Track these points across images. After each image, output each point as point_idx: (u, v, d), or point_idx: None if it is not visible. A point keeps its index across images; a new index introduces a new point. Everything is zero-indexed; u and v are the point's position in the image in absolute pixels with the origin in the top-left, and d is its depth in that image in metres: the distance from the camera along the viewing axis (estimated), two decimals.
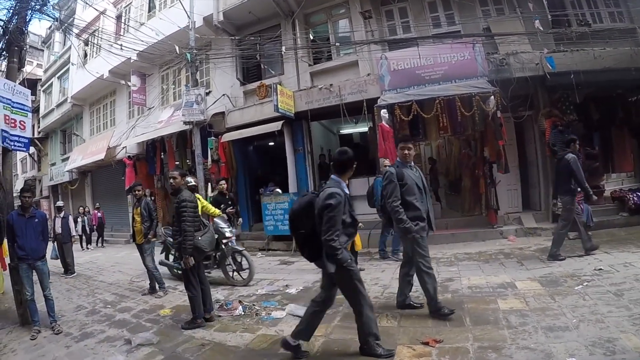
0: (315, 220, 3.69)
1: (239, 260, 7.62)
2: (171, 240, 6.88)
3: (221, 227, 7.43)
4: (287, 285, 7.06)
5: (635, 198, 9.09)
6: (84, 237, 16.32)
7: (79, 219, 15.59)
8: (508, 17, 10.30)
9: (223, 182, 9.97)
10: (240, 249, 7.65)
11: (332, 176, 3.88)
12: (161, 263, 8.25)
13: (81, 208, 17.26)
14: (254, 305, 5.97)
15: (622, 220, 8.96)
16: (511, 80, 9.21)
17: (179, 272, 7.39)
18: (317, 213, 3.67)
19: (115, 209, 18.07)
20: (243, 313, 5.65)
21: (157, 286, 7.50)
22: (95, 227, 17.13)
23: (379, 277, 6.89)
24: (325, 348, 4.16)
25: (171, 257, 8.48)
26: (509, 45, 9.69)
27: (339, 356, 3.93)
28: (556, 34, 9.82)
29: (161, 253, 8.57)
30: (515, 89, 9.22)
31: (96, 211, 17.24)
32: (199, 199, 6.91)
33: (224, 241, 7.39)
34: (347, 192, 3.80)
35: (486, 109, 8.83)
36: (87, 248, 16.41)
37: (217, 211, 7.78)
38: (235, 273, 7.60)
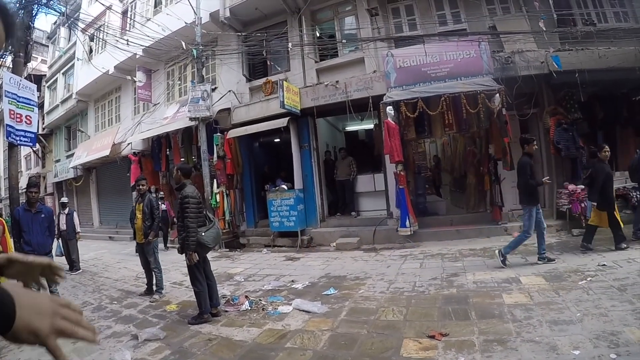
0: None
1: None
2: None
3: None
4: (293, 281, 7.11)
5: (639, 196, 9.13)
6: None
7: None
8: (514, 15, 10.30)
9: (534, 141, 6.98)
10: None
11: None
12: None
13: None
14: (260, 300, 6.01)
15: (625, 218, 8.97)
16: (516, 79, 9.27)
17: None
18: None
19: (120, 205, 17.85)
20: (249, 308, 5.69)
21: (154, 288, 7.12)
22: None
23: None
24: (332, 342, 4.20)
25: None
26: (515, 43, 9.71)
27: (346, 350, 3.96)
28: (561, 33, 9.85)
29: None
30: (521, 87, 9.28)
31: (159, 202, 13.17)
32: None
33: None
34: None
35: (491, 106, 8.84)
36: None
37: None
38: None
